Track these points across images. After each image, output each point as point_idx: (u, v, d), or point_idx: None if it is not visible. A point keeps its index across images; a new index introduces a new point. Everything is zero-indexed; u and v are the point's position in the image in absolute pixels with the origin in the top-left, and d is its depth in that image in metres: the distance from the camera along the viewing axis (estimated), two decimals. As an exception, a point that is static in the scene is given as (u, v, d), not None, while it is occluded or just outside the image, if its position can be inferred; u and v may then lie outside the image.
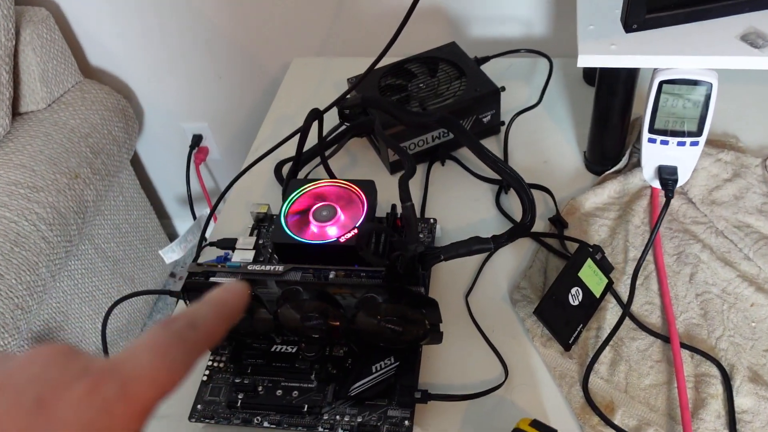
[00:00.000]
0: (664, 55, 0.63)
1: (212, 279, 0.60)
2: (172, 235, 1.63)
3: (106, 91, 1.27)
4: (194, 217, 1.44)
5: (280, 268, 0.59)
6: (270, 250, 0.72)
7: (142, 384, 0.24)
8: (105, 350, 0.72)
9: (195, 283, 0.60)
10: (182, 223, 1.67)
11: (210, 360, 0.65)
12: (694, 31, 0.62)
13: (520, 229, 0.68)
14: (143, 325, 1.49)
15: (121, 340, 1.37)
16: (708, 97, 0.66)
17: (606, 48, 0.64)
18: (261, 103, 1.30)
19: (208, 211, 1.01)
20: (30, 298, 1.05)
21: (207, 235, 0.82)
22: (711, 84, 0.65)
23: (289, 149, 0.80)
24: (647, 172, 0.73)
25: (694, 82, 0.65)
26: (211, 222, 0.86)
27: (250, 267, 0.60)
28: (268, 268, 0.60)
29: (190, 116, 1.37)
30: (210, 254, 0.75)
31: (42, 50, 1.17)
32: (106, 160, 1.21)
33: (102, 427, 0.22)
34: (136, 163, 1.48)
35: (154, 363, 0.24)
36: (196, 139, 1.40)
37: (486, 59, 0.94)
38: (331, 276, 0.58)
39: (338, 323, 0.60)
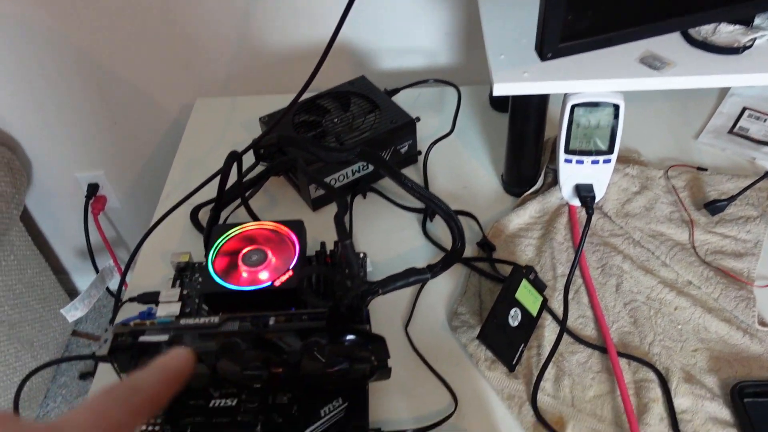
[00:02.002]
0: (574, 80, 0.66)
1: (141, 338, 0.55)
2: (71, 291, 1.52)
3: (-11, 144, 1.17)
4: (96, 271, 1.35)
5: (216, 319, 0.56)
6: (197, 301, 0.68)
7: None
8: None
9: (123, 345, 0.55)
10: (82, 277, 1.56)
11: (143, 428, 0.60)
12: (598, 57, 0.66)
13: (453, 257, 0.69)
14: (47, 390, 1.38)
15: (24, 410, 1.25)
16: (616, 117, 0.69)
17: (519, 76, 0.66)
18: (162, 147, 1.24)
19: (111, 263, 0.94)
20: None
21: (114, 288, 0.77)
22: (618, 105, 0.68)
23: (202, 194, 0.77)
24: (566, 191, 0.76)
25: (603, 104, 0.68)
26: (128, 276, 0.81)
27: (182, 321, 0.57)
28: (202, 320, 0.56)
29: (84, 165, 1.29)
30: (129, 311, 0.70)
31: None
32: (-7, 218, 1.12)
33: None
34: (27, 218, 1.38)
35: (94, 423, 0.26)
36: (92, 189, 1.32)
37: (396, 91, 0.95)
38: (270, 322, 0.56)
39: (281, 370, 0.57)
